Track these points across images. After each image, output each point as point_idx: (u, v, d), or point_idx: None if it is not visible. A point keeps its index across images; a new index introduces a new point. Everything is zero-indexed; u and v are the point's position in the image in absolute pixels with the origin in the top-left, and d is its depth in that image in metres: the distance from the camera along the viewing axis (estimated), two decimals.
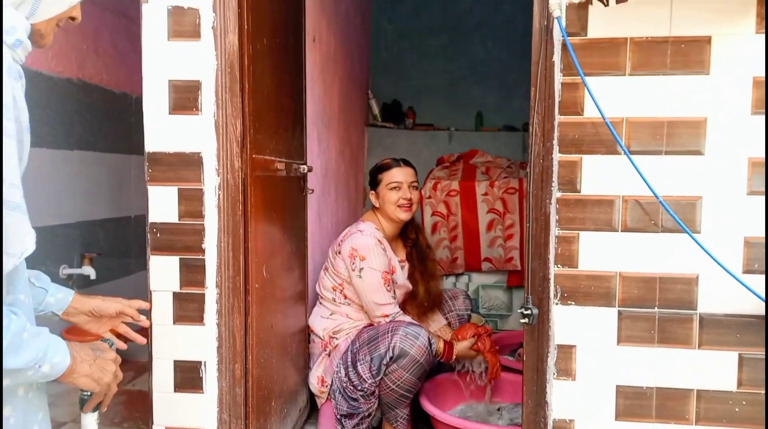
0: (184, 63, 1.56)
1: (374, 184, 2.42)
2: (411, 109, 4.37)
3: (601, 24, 1.44)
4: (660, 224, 1.46)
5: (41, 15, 0.89)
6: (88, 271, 3.02)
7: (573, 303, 1.51)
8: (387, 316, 2.20)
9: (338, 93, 3.30)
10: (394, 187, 2.34)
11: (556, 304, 1.52)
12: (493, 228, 3.50)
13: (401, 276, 2.40)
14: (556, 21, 1.44)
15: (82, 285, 3.06)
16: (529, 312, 1.53)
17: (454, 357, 2.23)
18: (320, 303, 2.40)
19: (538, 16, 1.53)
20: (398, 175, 2.36)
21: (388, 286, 2.25)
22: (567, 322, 1.52)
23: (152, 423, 1.68)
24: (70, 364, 0.88)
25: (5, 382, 0.81)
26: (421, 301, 2.46)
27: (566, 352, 1.52)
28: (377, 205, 2.40)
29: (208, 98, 1.58)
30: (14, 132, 0.80)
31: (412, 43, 4.38)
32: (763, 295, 1.35)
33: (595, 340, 1.50)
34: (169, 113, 1.57)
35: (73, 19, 0.97)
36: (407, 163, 2.44)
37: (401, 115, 4.36)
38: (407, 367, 2.00)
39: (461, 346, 2.25)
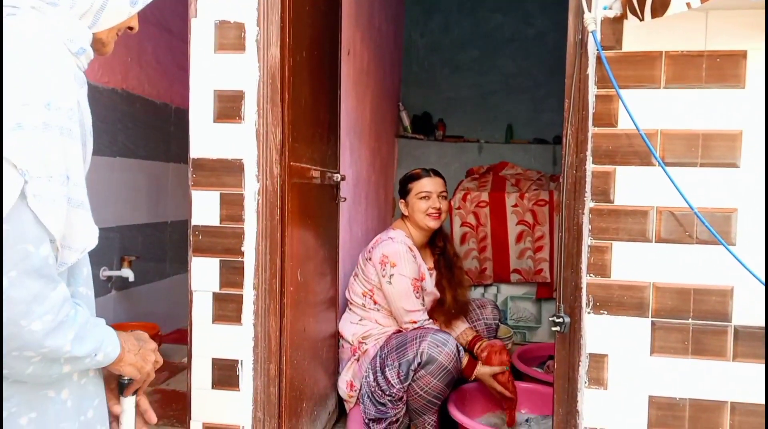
0: (229, 74, 1.63)
1: (404, 193, 2.47)
2: (441, 121, 4.42)
3: (635, 38, 1.46)
4: (695, 236, 1.47)
5: (103, 25, 0.94)
6: (127, 273, 3.12)
7: (605, 312, 1.52)
8: (415, 322, 2.23)
9: (370, 105, 3.36)
10: (424, 197, 2.38)
11: (588, 313, 1.53)
12: (522, 239, 3.50)
13: (429, 283, 2.43)
14: (590, 35, 1.47)
15: (120, 287, 3.17)
16: (560, 320, 1.55)
17: (473, 377, 2.23)
18: (350, 309, 2.45)
19: (572, 29, 1.56)
20: (428, 184, 2.41)
21: (417, 293, 2.28)
22: (599, 331, 1.53)
23: (190, 418, 1.74)
24: (120, 353, 0.93)
25: (65, 368, 0.86)
26: (448, 308, 2.48)
27: (598, 361, 1.53)
28: (406, 214, 2.45)
29: (250, 107, 1.64)
30: (79, 135, 0.85)
31: (444, 56, 4.44)
32: None
33: (628, 350, 1.51)
34: (214, 121, 1.65)
35: (131, 28, 1.02)
36: (437, 173, 2.48)
37: (431, 127, 4.41)
38: (435, 373, 2.02)
39: (482, 371, 2.23)
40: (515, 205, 3.51)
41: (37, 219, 0.77)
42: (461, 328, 2.53)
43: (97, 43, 0.97)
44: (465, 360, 2.20)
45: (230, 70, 1.64)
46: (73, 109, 0.83)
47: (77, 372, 0.92)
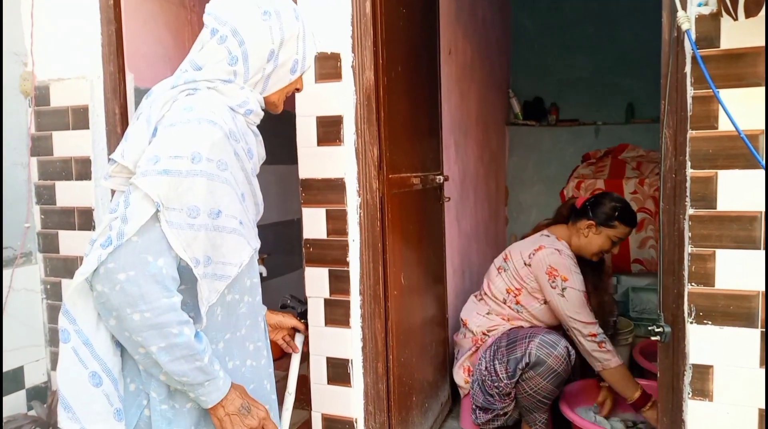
0: (328, 101, 1.79)
1: (603, 220, 2.29)
2: (554, 106, 4.28)
3: (735, 34, 1.37)
4: None
5: (271, 90, 1.19)
6: (261, 269, 3.48)
7: (709, 322, 1.46)
8: (595, 335, 2.17)
9: (476, 98, 3.38)
10: (616, 241, 2.30)
11: (691, 323, 1.48)
12: (643, 228, 3.32)
13: None
14: (685, 33, 1.41)
15: None
16: (660, 330, 1.52)
17: (646, 409, 2.11)
18: (481, 299, 2.43)
19: (667, 27, 1.50)
20: (628, 234, 2.32)
21: (589, 305, 2.24)
22: (703, 341, 1.47)
23: (311, 409, 1.96)
24: (213, 407, 1.07)
25: (162, 377, 1.05)
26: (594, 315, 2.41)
27: (702, 372, 1.48)
28: (585, 235, 2.31)
29: (348, 129, 1.79)
30: (235, 179, 1.08)
31: (554, 37, 4.27)
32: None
33: (735, 361, 1.44)
34: (317, 145, 1.82)
35: (298, 90, 1.27)
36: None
37: (544, 112, 4.29)
38: (544, 375, 2.05)
39: (651, 415, 2.09)
40: (634, 192, 3.34)
41: (163, 237, 1.00)
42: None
43: (269, 104, 1.23)
44: (638, 394, 2.11)
45: (329, 97, 1.79)
46: (223, 160, 1.05)
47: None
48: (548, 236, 2.34)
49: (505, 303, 2.35)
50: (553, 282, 2.21)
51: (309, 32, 1.21)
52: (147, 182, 0.99)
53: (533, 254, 2.27)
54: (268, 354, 1.27)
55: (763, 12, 1.16)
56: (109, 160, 1.08)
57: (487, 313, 2.37)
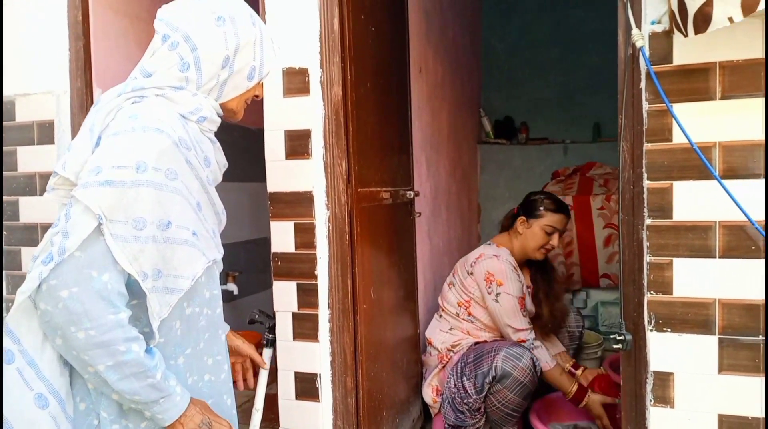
0: (297, 115, 1.80)
1: (530, 212, 2.39)
2: (524, 125, 4.38)
3: (687, 50, 1.43)
4: (763, 249, 1.41)
5: (227, 97, 1.16)
6: (232, 287, 3.45)
7: (669, 330, 1.50)
8: (524, 341, 2.23)
9: (447, 116, 3.43)
10: (550, 232, 2.35)
11: (651, 330, 1.52)
12: (610, 243, 3.39)
13: (528, 301, 2.43)
14: (640, 50, 1.46)
15: (227, 299, 3.50)
16: (622, 338, 1.55)
17: (582, 404, 2.20)
18: (441, 316, 2.48)
19: (622, 45, 1.56)
20: (560, 222, 2.37)
21: (524, 311, 2.29)
22: (663, 349, 1.51)
23: (278, 425, 1.93)
24: (172, 424, 1.04)
25: (114, 396, 1.00)
26: (546, 322, 2.44)
27: (663, 379, 1.51)
28: (520, 232, 2.39)
29: (317, 143, 1.80)
30: (186, 188, 1.04)
31: (524, 58, 4.39)
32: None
33: (695, 368, 1.48)
34: (285, 159, 1.82)
35: (257, 96, 1.24)
36: (569, 212, 2.45)
37: (514, 131, 4.38)
38: (511, 387, 2.06)
39: (594, 399, 2.20)
40: (601, 208, 3.41)
41: (108, 251, 0.96)
42: (557, 349, 2.49)
43: (227, 112, 1.20)
44: (574, 389, 2.20)
45: (297, 112, 1.80)
46: (171, 169, 1.02)
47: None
48: (489, 245, 2.44)
49: (458, 316, 2.39)
50: (489, 287, 2.28)
51: (267, 38, 1.19)
52: (88, 194, 0.95)
53: (474, 263, 2.36)
54: (228, 368, 1.23)
55: (713, 28, 1.21)
56: (48, 179, 1.06)
57: (450, 329, 2.41)
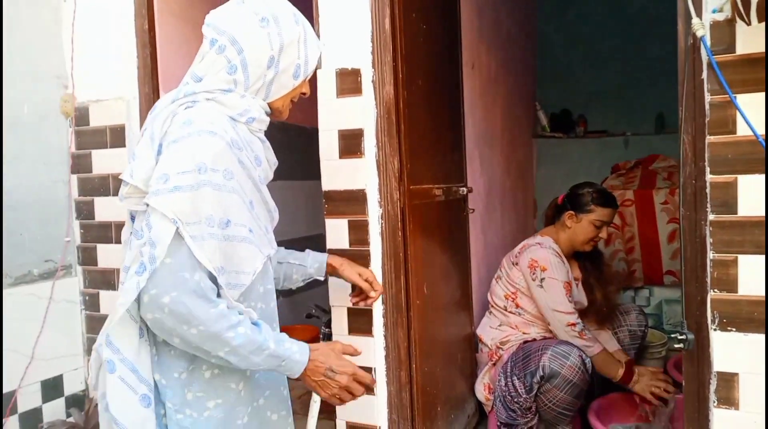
0: (350, 115, 1.84)
1: (579, 207, 2.37)
2: (582, 117, 4.27)
3: (751, 39, 1.36)
4: None
5: (274, 96, 1.20)
6: None
7: (733, 329, 1.44)
8: (574, 325, 2.21)
9: (501, 111, 3.40)
10: (599, 225, 2.34)
11: (714, 330, 1.46)
12: (675, 239, 3.27)
13: (576, 292, 2.42)
14: (701, 40, 1.41)
15: (286, 294, 3.61)
16: (683, 337, 1.50)
17: (632, 383, 2.19)
18: (490, 312, 2.50)
19: (682, 35, 1.50)
20: (609, 216, 2.35)
21: (570, 297, 2.27)
22: (727, 349, 1.45)
23: (336, 417, 1.99)
24: (300, 375, 1.14)
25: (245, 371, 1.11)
26: (599, 307, 2.43)
27: (727, 380, 1.45)
28: (569, 226, 2.39)
29: (369, 142, 1.83)
30: (242, 187, 1.10)
31: (582, 49, 4.28)
32: None
33: (761, 369, 1.41)
34: (339, 158, 1.87)
35: (304, 94, 1.26)
36: (617, 204, 2.43)
37: (571, 124, 4.28)
38: (560, 386, 2.03)
39: (643, 373, 2.20)
40: (665, 202, 3.29)
41: (191, 253, 1.02)
42: (611, 348, 2.44)
43: (274, 111, 1.24)
44: (621, 371, 2.19)
45: (350, 112, 1.84)
46: (228, 169, 1.07)
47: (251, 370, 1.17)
48: (533, 237, 2.44)
49: (506, 310, 2.39)
50: (534, 274, 2.27)
51: (311, 36, 1.20)
52: (161, 202, 1.01)
53: (519, 254, 2.37)
54: None
55: None
56: (121, 181, 1.12)
57: (499, 326, 2.41)
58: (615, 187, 3.50)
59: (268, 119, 1.21)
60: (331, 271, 1.59)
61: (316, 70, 1.64)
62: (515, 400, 2.13)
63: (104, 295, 2.30)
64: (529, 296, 2.33)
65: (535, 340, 2.30)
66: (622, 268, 3.39)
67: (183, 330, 1.02)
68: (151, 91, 2.24)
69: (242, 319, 1.07)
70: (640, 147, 3.97)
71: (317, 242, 4.12)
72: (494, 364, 2.36)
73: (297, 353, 1.13)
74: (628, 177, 3.64)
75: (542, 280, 2.26)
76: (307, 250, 1.59)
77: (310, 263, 1.53)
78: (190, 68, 1.18)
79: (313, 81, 1.86)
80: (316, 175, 1.93)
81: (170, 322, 1.01)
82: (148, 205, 1.04)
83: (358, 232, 1.87)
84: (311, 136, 3.97)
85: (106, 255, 2.30)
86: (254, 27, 1.13)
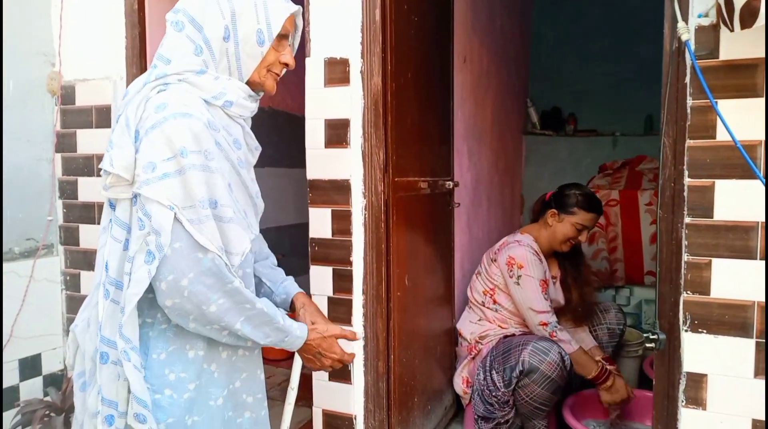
0: (337, 104, 1.84)
1: (563, 208, 2.38)
2: (572, 116, 4.28)
3: (734, 45, 1.38)
4: None
5: (248, 71, 1.14)
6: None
7: (704, 331, 1.47)
8: (546, 324, 2.24)
9: (491, 106, 3.40)
10: (580, 229, 2.36)
11: (686, 331, 1.49)
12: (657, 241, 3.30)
13: (553, 291, 2.45)
14: (685, 44, 1.42)
15: None
16: (656, 337, 1.53)
17: (608, 384, 2.22)
18: (470, 307, 2.53)
19: (668, 38, 1.52)
20: (591, 220, 2.37)
21: (546, 294, 2.30)
22: (698, 350, 1.48)
23: (312, 405, 2.00)
24: (299, 349, 1.22)
25: (249, 343, 1.14)
26: (575, 307, 2.46)
27: (696, 380, 1.48)
28: (550, 224, 2.41)
29: (355, 132, 1.84)
30: (222, 168, 1.09)
31: (574, 47, 4.28)
32: None
33: (729, 371, 1.44)
34: (324, 147, 1.87)
35: (286, 65, 1.19)
36: (602, 210, 2.44)
37: (561, 122, 4.29)
38: (538, 382, 2.06)
39: (621, 383, 2.23)
40: (649, 204, 3.32)
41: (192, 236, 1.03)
42: (588, 345, 2.47)
43: (255, 86, 1.18)
44: (596, 369, 2.22)
45: (338, 101, 1.84)
46: (209, 150, 1.06)
47: (227, 350, 1.19)
48: (513, 234, 2.46)
49: (484, 305, 2.42)
50: (511, 271, 2.30)
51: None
52: (154, 190, 1.01)
53: (497, 251, 2.40)
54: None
55: (760, 23, 1.17)
56: (101, 170, 1.10)
57: (479, 320, 2.44)
58: (601, 186, 3.53)
59: (252, 105, 1.19)
60: (293, 309, 1.40)
61: (304, 52, 1.63)
62: (493, 393, 2.16)
63: (85, 275, 2.30)
64: (507, 293, 2.36)
65: (514, 335, 2.33)
66: (604, 267, 3.43)
67: (202, 310, 1.04)
68: (138, 71, 2.22)
69: (253, 296, 1.12)
70: (628, 147, 4.00)
71: (305, 230, 4.13)
72: (473, 358, 2.39)
73: (297, 329, 1.20)
74: (614, 177, 3.67)
75: (519, 277, 2.29)
76: (286, 277, 1.44)
77: (279, 292, 1.38)
78: (157, 50, 1.15)
79: (300, 64, 1.86)
80: (304, 162, 1.93)
81: (190, 304, 1.03)
82: (137, 194, 1.04)
83: (342, 222, 1.88)
84: (300, 123, 3.94)
85: (89, 235, 2.29)
86: (206, 1, 1.11)
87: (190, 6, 1.12)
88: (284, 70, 1.22)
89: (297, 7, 1.19)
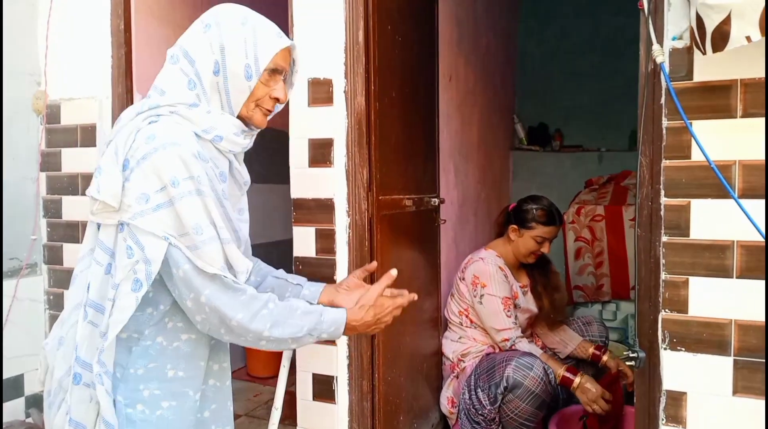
0: (321, 124, 1.85)
1: (522, 223, 2.41)
2: (558, 132, 4.33)
3: (708, 67, 1.41)
4: None
5: (237, 105, 1.15)
6: None
7: (683, 349, 1.48)
8: (507, 340, 2.29)
9: (478, 123, 3.44)
10: (540, 241, 2.39)
11: (665, 349, 1.50)
12: None
13: (523, 300, 2.47)
14: (660, 66, 1.45)
15: None
16: (635, 355, 1.54)
17: (574, 386, 2.22)
18: (449, 327, 2.55)
19: (644, 60, 1.55)
20: (551, 233, 2.40)
21: (509, 311, 2.33)
22: (677, 368, 1.49)
23: (297, 425, 1.99)
24: (345, 331, 1.21)
25: (292, 345, 1.16)
26: (547, 313, 2.48)
27: (676, 398, 1.49)
28: (512, 239, 2.44)
29: (339, 152, 1.85)
30: (212, 195, 1.09)
31: (561, 64, 4.35)
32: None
33: (709, 389, 1.46)
34: (309, 166, 1.88)
35: (277, 99, 1.18)
36: (562, 220, 2.46)
37: (548, 138, 4.34)
38: (523, 397, 2.07)
39: (583, 383, 2.21)
40: (634, 219, 3.34)
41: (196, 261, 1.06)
42: (575, 340, 2.51)
43: (245, 120, 1.18)
44: (561, 371, 2.23)
45: (321, 121, 1.86)
46: (200, 176, 1.07)
47: (203, 380, 1.20)
48: (478, 250, 2.49)
49: (462, 325, 2.45)
50: (475, 290, 2.35)
51: (263, 35, 1.13)
52: (148, 222, 1.03)
53: (464, 269, 2.43)
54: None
55: (731, 47, 1.20)
56: (89, 196, 1.11)
57: (459, 338, 2.46)
58: (587, 201, 3.56)
59: (244, 141, 1.17)
60: (325, 299, 1.40)
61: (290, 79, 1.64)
62: (480, 412, 2.16)
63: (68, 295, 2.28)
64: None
65: (496, 351, 2.34)
66: (590, 282, 3.44)
67: (228, 321, 1.07)
68: (124, 91, 2.23)
69: (270, 296, 1.14)
70: (614, 163, 4.04)
71: (291, 247, 4.13)
72: (456, 377, 2.40)
73: (328, 313, 1.18)
74: (600, 192, 3.69)
75: (482, 296, 2.34)
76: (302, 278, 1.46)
77: (307, 286, 1.39)
78: (154, 81, 1.18)
79: None
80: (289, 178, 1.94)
81: (215, 318, 1.07)
82: (123, 223, 1.06)
83: (325, 240, 1.88)
84: (287, 140, 4.00)
85: (72, 254, 2.28)
86: (198, 35, 1.13)
87: (184, 40, 1.15)
88: (277, 105, 1.21)
89: (290, 42, 1.18)
